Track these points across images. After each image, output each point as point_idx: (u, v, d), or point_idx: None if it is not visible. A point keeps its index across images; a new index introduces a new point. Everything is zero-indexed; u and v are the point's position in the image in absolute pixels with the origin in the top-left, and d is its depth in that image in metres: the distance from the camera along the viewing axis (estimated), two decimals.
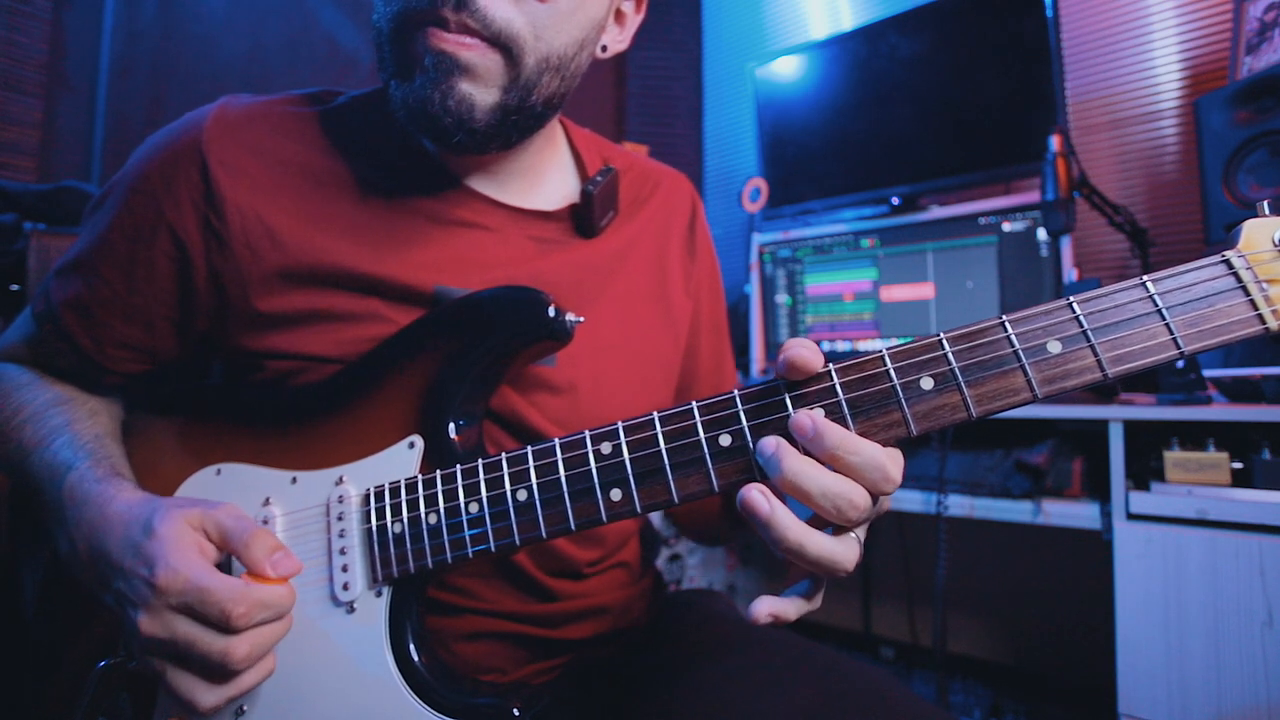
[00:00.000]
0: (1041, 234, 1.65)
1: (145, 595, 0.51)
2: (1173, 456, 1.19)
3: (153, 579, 0.50)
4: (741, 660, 0.71)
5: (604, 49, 0.72)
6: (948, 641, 1.98)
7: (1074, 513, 1.32)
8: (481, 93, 0.61)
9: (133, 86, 1.85)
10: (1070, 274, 1.59)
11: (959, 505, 1.44)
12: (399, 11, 0.60)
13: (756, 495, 0.45)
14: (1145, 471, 1.25)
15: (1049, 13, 1.63)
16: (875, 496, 0.46)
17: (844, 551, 0.46)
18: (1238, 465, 1.16)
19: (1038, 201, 1.60)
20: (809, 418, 0.45)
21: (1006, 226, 1.70)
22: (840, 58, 2.01)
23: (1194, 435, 1.22)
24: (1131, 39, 1.84)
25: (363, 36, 2.17)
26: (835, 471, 0.45)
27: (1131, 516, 1.22)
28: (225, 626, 0.50)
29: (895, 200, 1.91)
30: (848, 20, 2.38)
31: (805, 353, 0.46)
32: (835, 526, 0.47)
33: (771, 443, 0.46)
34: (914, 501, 1.50)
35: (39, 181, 1.63)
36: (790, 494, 0.45)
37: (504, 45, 0.60)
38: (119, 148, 1.81)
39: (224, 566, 0.54)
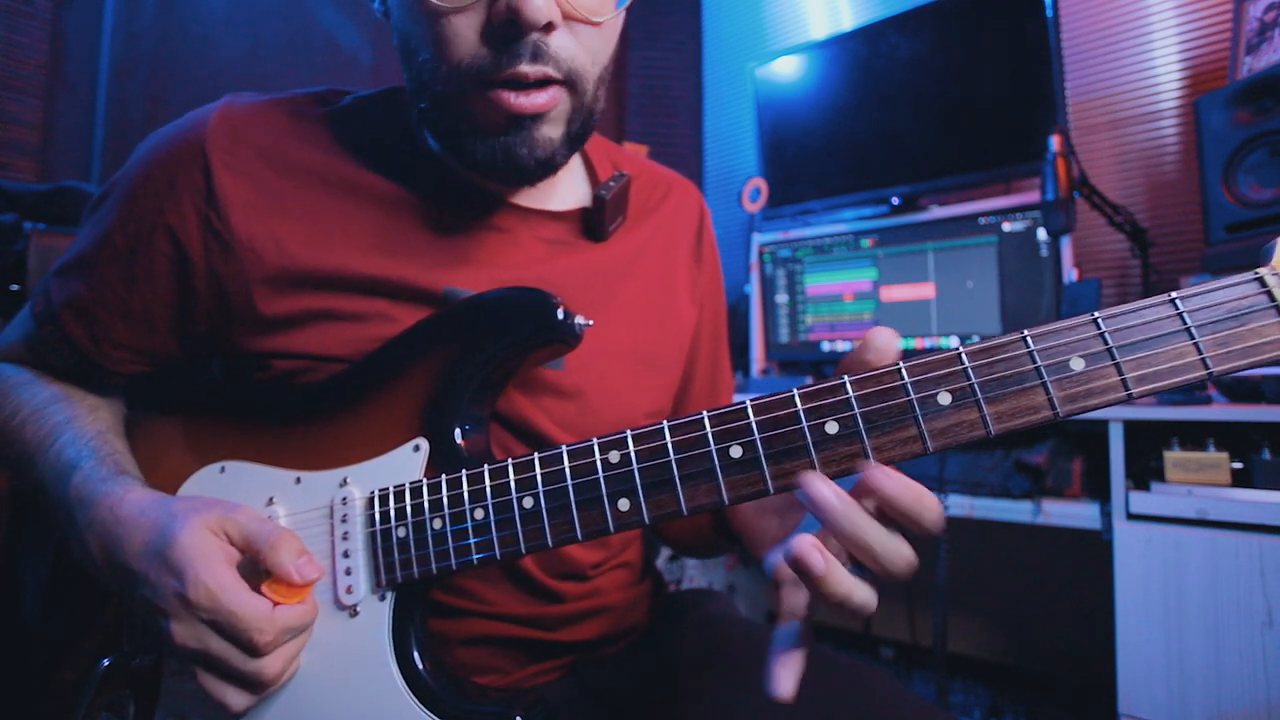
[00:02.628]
0: (1041, 234, 1.65)
1: (176, 607, 0.51)
2: (1173, 456, 1.19)
3: (183, 591, 0.51)
4: (741, 661, 0.71)
5: None
6: (948, 641, 1.98)
7: (1074, 513, 1.32)
8: (557, 130, 0.62)
9: (133, 86, 1.84)
10: (1070, 274, 1.60)
11: (959, 505, 1.45)
12: (468, 75, 0.58)
13: (811, 550, 0.43)
14: (1145, 471, 1.26)
15: (1049, 13, 1.63)
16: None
17: (873, 597, 0.46)
18: (1238, 465, 1.16)
19: (1038, 201, 1.61)
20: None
21: (1006, 226, 1.70)
22: (840, 58, 2.01)
23: (1194, 435, 1.22)
24: (1131, 39, 1.84)
25: (363, 36, 2.17)
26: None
27: (1131, 516, 1.22)
28: (253, 651, 0.51)
29: (895, 200, 1.91)
30: (848, 20, 2.38)
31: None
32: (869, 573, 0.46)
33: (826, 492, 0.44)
34: None
35: (39, 181, 1.63)
36: (846, 545, 0.44)
37: (572, 82, 0.60)
38: (119, 148, 1.81)
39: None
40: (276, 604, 0.53)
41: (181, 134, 0.66)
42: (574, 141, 0.65)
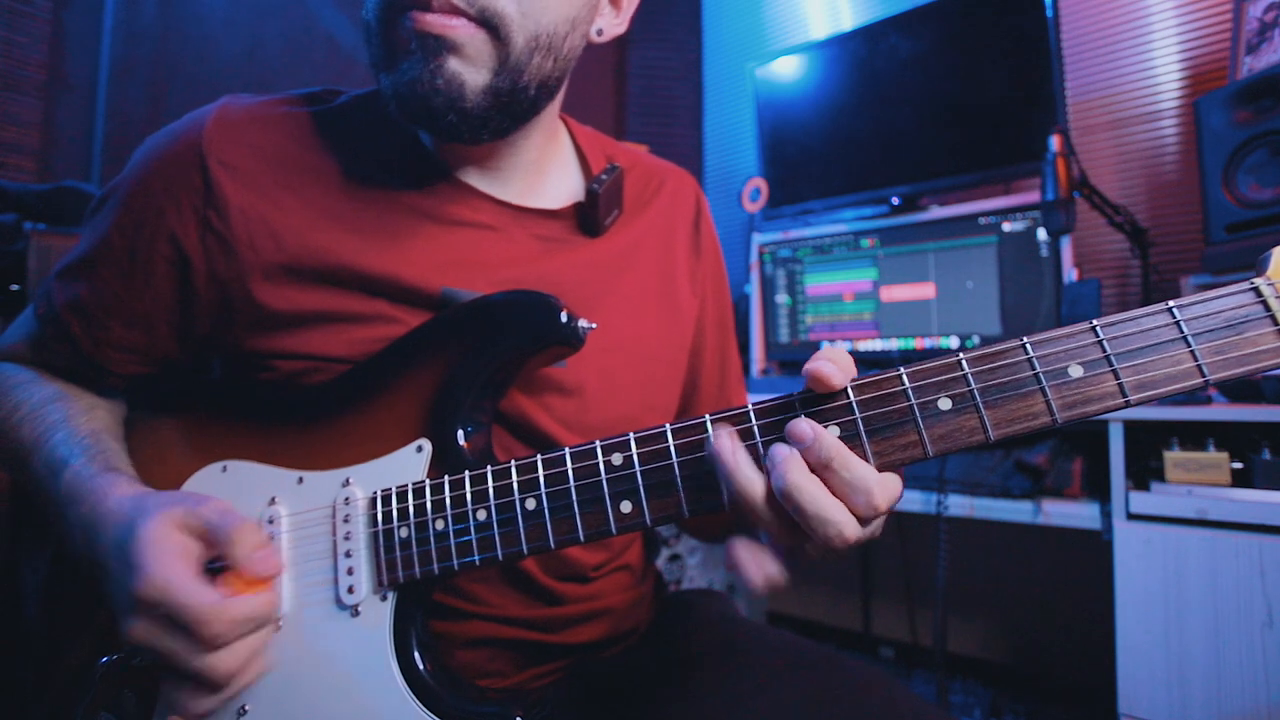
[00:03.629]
0: (1041, 234, 1.65)
1: (129, 602, 0.51)
2: (1173, 456, 1.19)
3: (135, 587, 0.50)
4: (742, 661, 0.71)
5: (599, 33, 0.71)
6: (948, 641, 1.98)
7: (1074, 513, 1.32)
8: (471, 73, 0.60)
9: (133, 86, 1.84)
10: (1070, 274, 1.60)
11: (959, 505, 1.45)
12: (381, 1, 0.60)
13: (723, 436, 0.46)
14: (1145, 471, 1.26)
15: (1049, 13, 1.63)
16: (863, 521, 0.46)
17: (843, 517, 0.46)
18: (1238, 465, 1.16)
19: (1038, 201, 1.61)
20: (809, 425, 0.45)
21: (1006, 226, 1.71)
22: (840, 58, 2.01)
23: (1194, 435, 1.22)
24: (1131, 39, 1.84)
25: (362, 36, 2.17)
26: (827, 486, 0.45)
27: (1131, 516, 1.22)
28: (201, 645, 0.50)
29: (895, 200, 1.91)
30: (848, 20, 2.38)
31: (829, 368, 0.46)
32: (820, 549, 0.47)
33: (784, 450, 0.45)
34: (914, 501, 1.50)
35: (39, 181, 1.62)
36: (786, 503, 0.45)
37: (490, 23, 0.59)
38: (119, 148, 1.80)
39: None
40: (231, 596, 0.52)
41: (179, 136, 0.66)
42: (500, 99, 0.62)
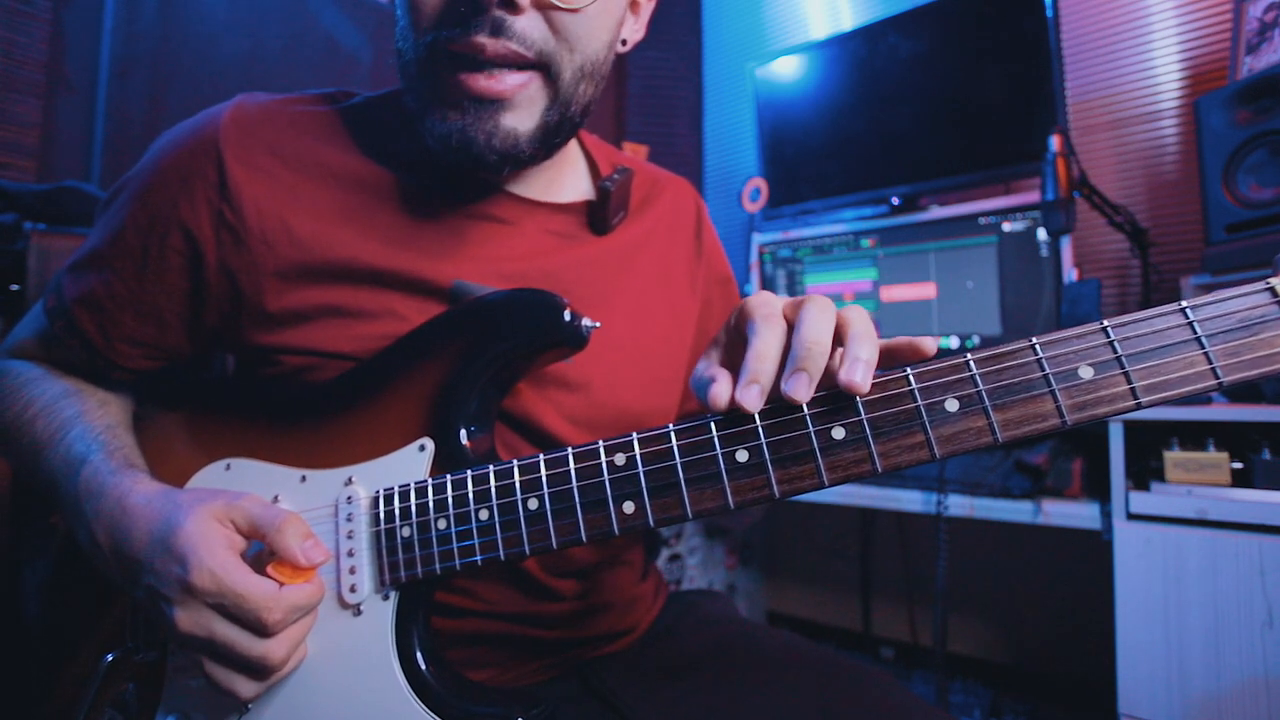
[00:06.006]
0: (1041, 234, 1.65)
1: (179, 594, 0.51)
2: (1173, 456, 1.19)
3: (186, 578, 0.51)
4: (741, 661, 0.71)
5: (624, 43, 0.72)
6: (948, 641, 1.98)
7: (1074, 513, 1.32)
8: (525, 122, 0.62)
9: (133, 86, 1.84)
10: (1070, 274, 1.60)
11: (959, 505, 1.45)
12: (431, 43, 0.59)
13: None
14: (1145, 471, 1.26)
15: (1049, 13, 1.64)
16: None
17: None
18: (1238, 465, 1.16)
19: (1038, 201, 1.61)
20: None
21: (1006, 226, 1.71)
22: (840, 58, 2.01)
23: (1194, 435, 1.22)
24: (1131, 39, 1.84)
25: (363, 36, 2.17)
26: None
27: (1131, 516, 1.22)
28: (261, 631, 0.51)
29: (895, 200, 1.91)
30: (848, 20, 2.38)
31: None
32: None
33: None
34: (914, 501, 1.50)
35: (39, 181, 1.62)
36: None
37: (543, 65, 0.60)
38: (119, 148, 1.80)
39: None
40: (282, 585, 0.52)
41: (195, 130, 0.66)
42: (548, 135, 0.64)
